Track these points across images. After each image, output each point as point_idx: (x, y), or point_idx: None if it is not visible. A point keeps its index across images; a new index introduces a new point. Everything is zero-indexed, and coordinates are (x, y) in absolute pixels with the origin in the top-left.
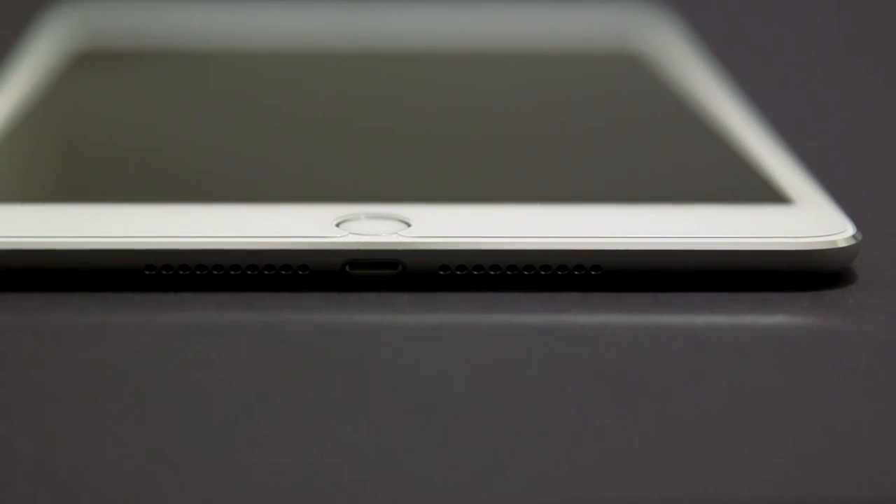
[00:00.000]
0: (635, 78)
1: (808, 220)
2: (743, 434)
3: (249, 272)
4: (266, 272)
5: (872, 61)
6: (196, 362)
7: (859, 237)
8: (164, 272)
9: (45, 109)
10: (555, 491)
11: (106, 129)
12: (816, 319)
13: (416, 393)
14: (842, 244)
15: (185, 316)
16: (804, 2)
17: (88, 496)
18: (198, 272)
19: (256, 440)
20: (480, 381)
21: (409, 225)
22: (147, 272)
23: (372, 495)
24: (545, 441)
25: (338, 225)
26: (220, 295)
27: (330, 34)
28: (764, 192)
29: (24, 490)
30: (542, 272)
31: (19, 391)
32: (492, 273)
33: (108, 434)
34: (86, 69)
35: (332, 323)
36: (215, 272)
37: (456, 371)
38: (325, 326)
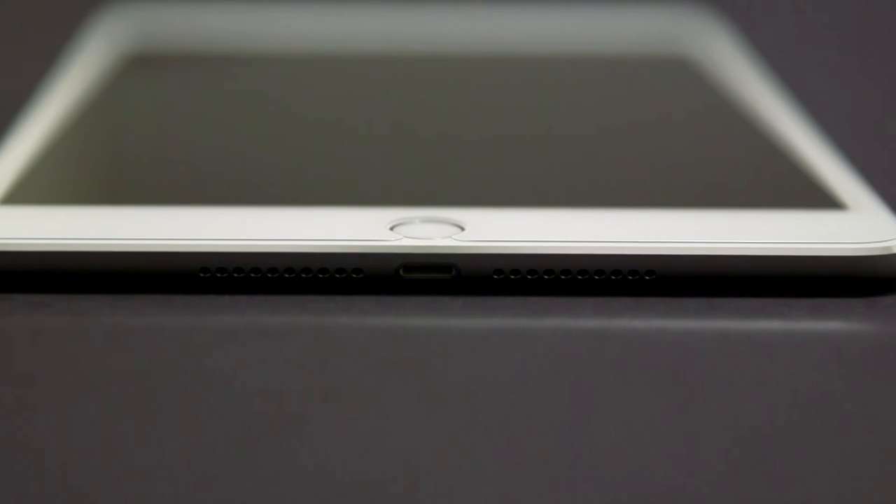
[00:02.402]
0: (685, 82)
1: (863, 226)
2: (799, 440)
3: (303, 275)
4: (320, 275)
5: None
6: (250, 365)
7: None
8: (219, 274)
9: (96, 112)
10: (610, 496)
11: (158, 131)
12: (872, 325)
13: (470, 397)
14: None
15: (240, 318)
16: (856, 3)
17: (143, 497)
18: (252, 275)
19: (310, 443)
20: (534, 386)
21: (462, 229)
22: (202, 274)
23: (426, 499)
24: (600, 446)
25: (392, 228)
26: (275, 298)
27: (383, 37)
28: (818, 197)
29: (79, 490)
30: (596, 276)
31: (76, 393)
32: (545, 277)
33: (163, 436)
34: (136, 72)
35: (385, 326)
36: (269, 275)
37: (510, 375)
38: (378, 330)
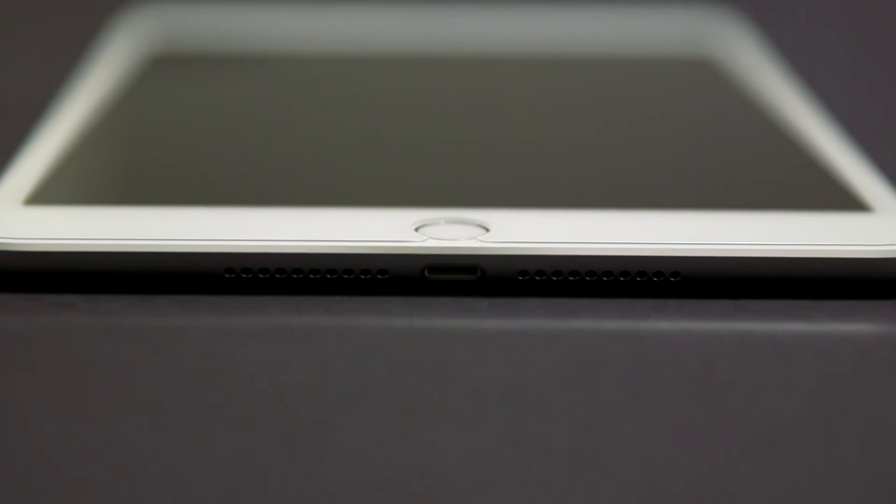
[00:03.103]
0: (709, 83)
1: (888, 228)
2: (824, 442)
3: (328, 276)
4: (345, 276)
5: None
6: (275, 366)
7: None
8: (244, 275)
9: (120, 112)
10: (635, 497)
11: (182, 132)
12: None
13: (495, 398)
14: None
15: (265, 319)
16: (879, 4)
17: (168, 496)
18: (277, 275)
19: (335, 443)
20: (559, 387)
21: (487, 230)
22: (227, 275)
23: (451, 500)
24: (625, 448)
25: (417, 229)
26: (299, 298)
27: (408, 38)
28: (842, 199)
29: (104, 489)
30: (621, 278)
31: (101, 393)
32: (570, 279)
33: (188, 436)
34: (159, 73)
35: (410, 327)
36: (294, 275)
37: (535, 377)
38: (403, 330)
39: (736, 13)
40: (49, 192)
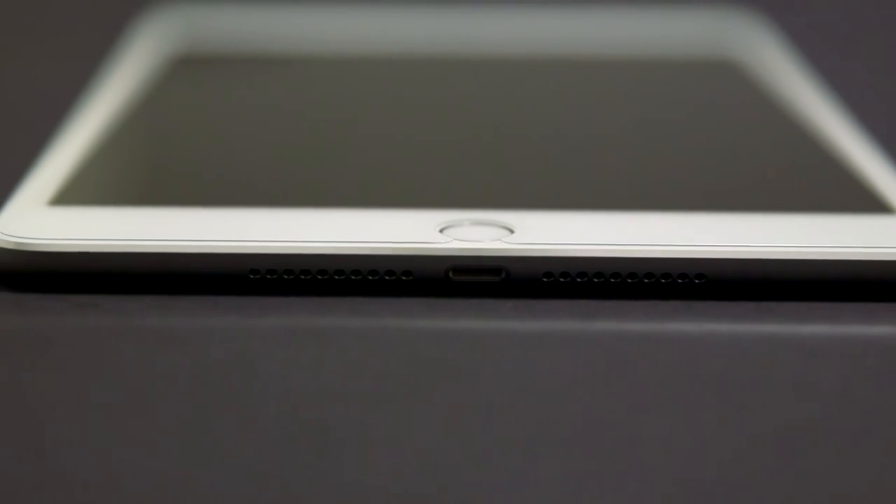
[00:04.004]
0: (732, 85)
1: None
2: (849, 445)
3: (353, 277)
4: (370, 277)
5: None
6: (300, 366)
7: None
8: (269, 276)
9: (144, 113)
10: (659, 499)
11: (205, 132)
12: None
13: (519, 400)
14: None
15: (289, 320)
16: None
17: (192, 497)
18: (302, 276)
19: (359, 444)
20: (583, 389)
21: (512, 231)
22: (251, 276)
23: (475, 501)
24: (649, 450)
25: (441, 231)
26: (324, 299)
27: (433, 39)
28: (866, 201)
29: (128, 489)
30: (646, 280)
31: (126, 394)
32: (595, 280)
33: (212, 437)
34: (183, 73)
35: (435, 328)
36: (319, 276)
37: (559, 378)
38: (428, 332)
39: (758, 14)
40: (73, 193)
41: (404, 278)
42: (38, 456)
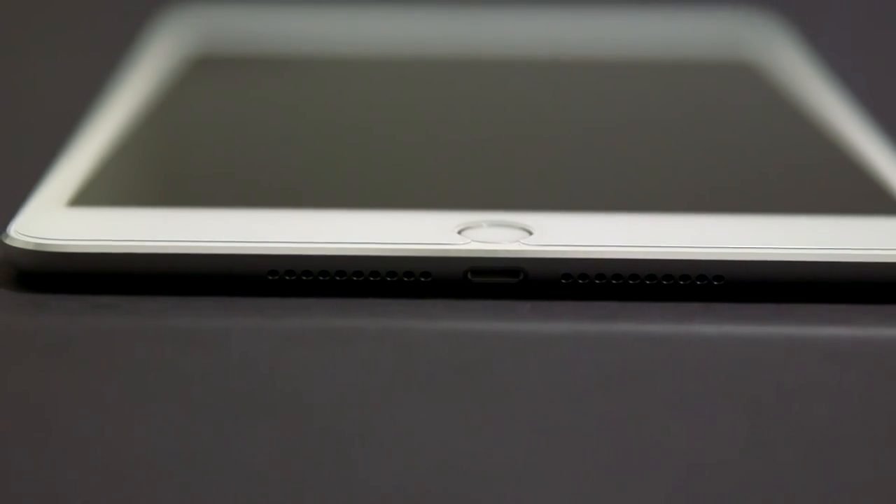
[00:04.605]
0: (750, 87)
1: None
2: (868, 448)
3: (371, 278)
4: (388, 278)
5: None
6: (318, 368)
7: None
8: (287, 277)
9: (162, 114)
10: (677, 501)
11: (223, 134)
12: None
13: (538, 401)
14: None
15: (308, 321)
16: None
17: (210, 498)
18: (320, 277)
19: (378, 445)
20: (602, 391)
21: (530, 233)
22: (270, 277)
23: (492, 502)
24: (668, 452)
25: (460, 232)
26: (342, 301)
27: (448, 40)
28: (886, 203)
29: (146, 490)
30: (664, 282)
31: (144, 394)
32: (613, 282)
33: (231, 438)
34: (200, 74)
35: (453, 330)
36: (337, 278)
37: (577, 380)
38: (446, 333)
39: (776, 16)
40: (92, 194)
41: (423, 280)
42: (56, 456)
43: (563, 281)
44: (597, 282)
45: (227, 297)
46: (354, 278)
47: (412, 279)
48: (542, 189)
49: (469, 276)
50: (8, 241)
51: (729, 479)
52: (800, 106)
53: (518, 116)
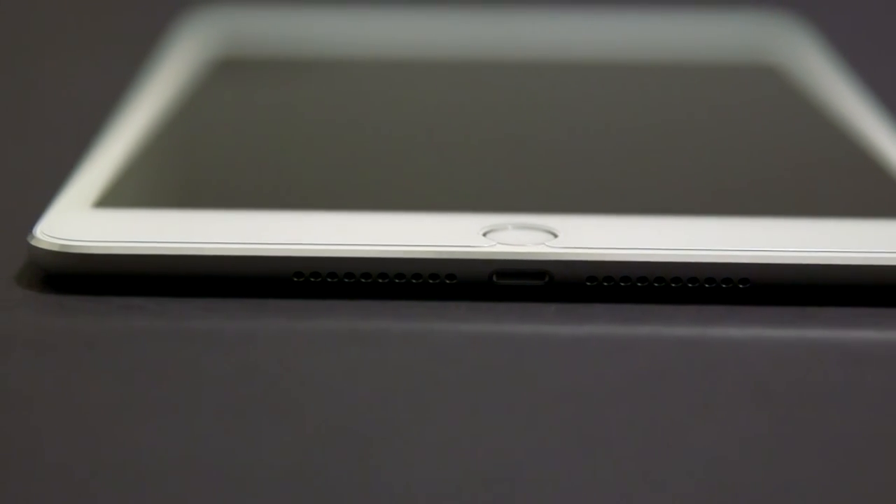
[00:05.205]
0: (775, 89)
1: None
2: (894, 451)
3: (397, 280)
4: (413, 280)
5: None
6: (343, 370)
7: None
8: (313, 279)
9: (187, 116)
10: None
11: (248, 136)
12: None
13: (563, 404)
14: None
15: (333, 323)
16: None
17: (236, 499)
18: (346, 279)
19: (404, 449)
20: (627, 393)
21: (556, 236)
22: (295, 279)
23: None
24: (692, 454)
25: (485, 235)
26: (368, 303)
27: (474, 42)
28: None
29: (172, 491)
30: (690, 284)
31: (170, 396)
32: (639, 285)
33: (256, 440)
34: (225, 76)
35: (478, 332)
36: (363, 280)
37: (602, 383)
38: (472, 335)
39: (800, 18)
40: (118, 195)
41: (448, 282)
42: (82, 456)
43: (589, 283)
44: (622, 284)
45: (253, 298)
46: (380, 280)
47: (437, 281)
48: (566, 191)
49: (494, 278)
50: (34, 243)
51: (754, 482)
52: (824, 108)
53: (542, 119)
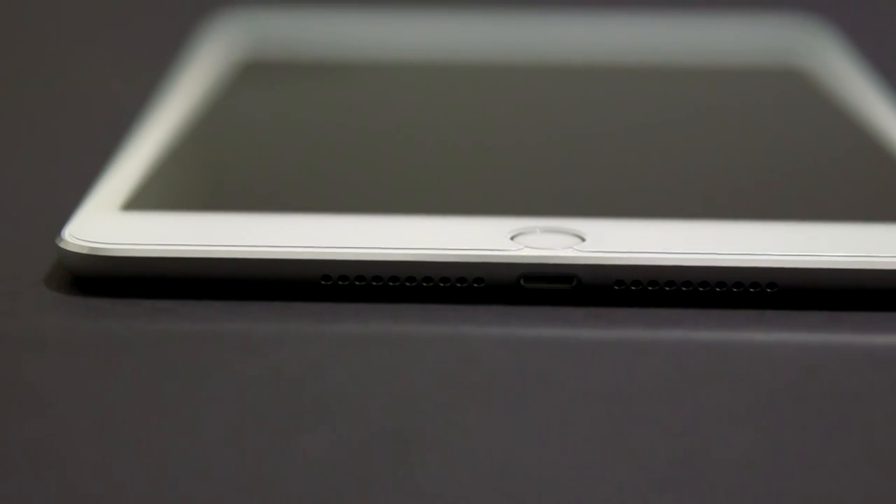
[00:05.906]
0: (800, 93)
1: None
2: None
3: (424, 284)
4: (441, 284)
5: None
6: (371, 373)
7: None
8: (341, 282)
9: (214, 119)
10: None
11: (276, 139)
12: None
13: (591, 408)
14: None
15: (361, 326)
16: None
17: (267, 502)
18: (373, 283)
19: (432, 453)
20: (655, 397)
21: (583, 239)
22: (323, 282)
23: None
24: (721, 459)
25: (513, 238)
26: (395, 306)
27: (499, 46)
28: None
29: (199, 494)
30: (717, 289)
31: (199, 399)
32: (666, 289)
33: (284, 443)
34: (252, 79)
35: (506, 336)
36: (391, 283)
37: (630, 387)
38: (499, 339)
39: (824, 21)
40: (146, 198)
41: (475, 285)
42: (112, 458)
43: (616, 287)
44: (650, 288)
45: (281, 301)
46: (407, 284)
47: (465, 285)
48: (594, 195)
49: (522, 282)
50: (63, 245)
51: (783, 488)
52: (850, 112)
53: (569, 122)
